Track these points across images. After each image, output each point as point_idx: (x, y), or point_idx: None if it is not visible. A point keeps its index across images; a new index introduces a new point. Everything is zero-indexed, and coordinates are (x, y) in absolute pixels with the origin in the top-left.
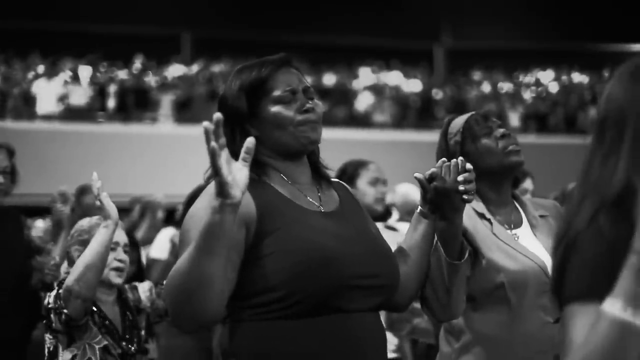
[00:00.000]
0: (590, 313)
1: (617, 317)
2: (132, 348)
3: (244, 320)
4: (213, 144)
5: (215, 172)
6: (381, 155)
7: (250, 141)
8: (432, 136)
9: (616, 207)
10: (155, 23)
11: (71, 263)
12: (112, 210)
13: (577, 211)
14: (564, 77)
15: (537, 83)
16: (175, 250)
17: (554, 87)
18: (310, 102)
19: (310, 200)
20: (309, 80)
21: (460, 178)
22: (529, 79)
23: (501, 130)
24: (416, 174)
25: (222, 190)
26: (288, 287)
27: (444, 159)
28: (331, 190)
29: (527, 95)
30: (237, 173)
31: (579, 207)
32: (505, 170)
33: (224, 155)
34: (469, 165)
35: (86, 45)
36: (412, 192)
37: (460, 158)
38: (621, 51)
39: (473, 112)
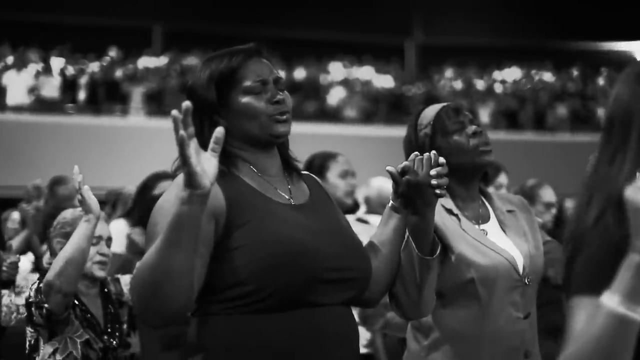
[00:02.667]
0: (591, 305)
1: (614, 309)
2: (114, 342)
3: (214, 314)
4: (182, 132)
5: (184, 162)
6: (351, 150)
7: (219, 131)
8: (403, 132)
9: (621, 206)
10: (126, 15)
11: (53, 255)
12: (94, 203)
13: (586, 209)
14: (534, 75)
15: (508, 80)
16: (133, 247)
17: (524, 85)
18: (281, 93)
19: (280, 192)
20: (279, 73)
21: (432, 172)
22: (499, 75)
23: (473, 127)
24: (388, 167)
25: (191, 181)
26: (258, 281)
27: (416, 152)
28: (301, 182)
29: (498, 91)
30: (206, 163)
31: (587, 204)
32: (475, 168)
33: (193, 145)
34: (441, 160)
35: (56, 37)
36: (386, 186)
37: (433, 152)
38: (591, 49)
39: (444, 104)
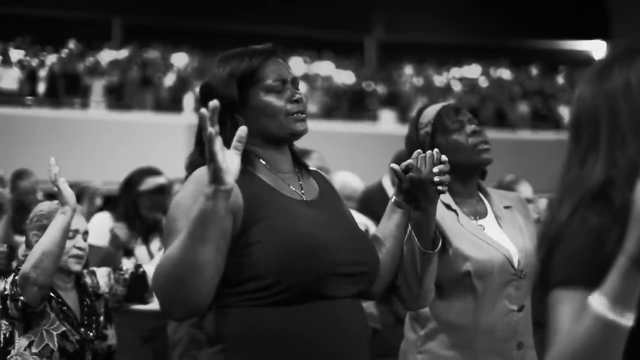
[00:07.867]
0: (575, 299)
1: (602, 314)
2: (91, 334)
3: (231, 306)
4: (210, 129)
5: (211, 159)
6: (312, 146)
7: (242, 130)
8: (363, 127)
9: (598, 199)
10: (86, 8)
11: (29, 247)
12: (70, 196)
13: (558, 209)
14: (493, 72)
15: (467, 77)
16: (116, 241)
17: (483, 82)
18: (298, 92)
19: (293, 189)
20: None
21: (435, 169)
22: (459, 73)
23: (472, 126)
24: (392, 165)
25: (217, 177)
26: (275, 275)
27: (419, 150)
28: (311, 179)
29: (458, 89)
30: (230, 160)
31: (559, 205)
32: (473, 166)
33: (219, 142)
34: (444, 157)
35: (16, 29)
36: (349, 180)
37: (436, 150)
38: (549, 48)
39: (445, 104)
